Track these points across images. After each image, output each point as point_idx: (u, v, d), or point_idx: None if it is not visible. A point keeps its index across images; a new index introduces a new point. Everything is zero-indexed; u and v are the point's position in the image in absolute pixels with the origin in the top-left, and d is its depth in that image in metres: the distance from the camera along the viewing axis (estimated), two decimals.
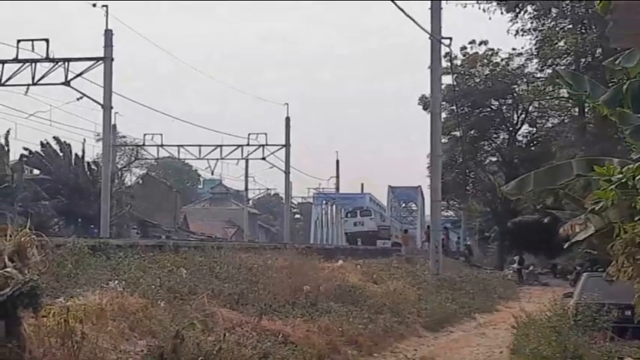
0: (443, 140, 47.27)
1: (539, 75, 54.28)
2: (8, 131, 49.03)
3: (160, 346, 10.69)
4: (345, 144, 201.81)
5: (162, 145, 58.80)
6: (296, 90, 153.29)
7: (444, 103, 49.06)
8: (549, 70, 48.43)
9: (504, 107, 62.32)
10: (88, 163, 55.57)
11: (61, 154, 55.22)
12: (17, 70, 38.96)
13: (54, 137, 54.00)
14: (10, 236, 9.05)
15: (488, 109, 61.77)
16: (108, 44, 39.41)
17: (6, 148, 50.16)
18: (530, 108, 61.13)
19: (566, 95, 44.77)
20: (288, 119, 62.42)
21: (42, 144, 54.65)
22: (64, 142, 55.62)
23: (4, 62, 38.94)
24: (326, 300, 19.43)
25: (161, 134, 58.30)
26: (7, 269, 8.73)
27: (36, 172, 56.37)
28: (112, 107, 40.19)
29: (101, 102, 39.47)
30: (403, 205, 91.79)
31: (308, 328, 15.68)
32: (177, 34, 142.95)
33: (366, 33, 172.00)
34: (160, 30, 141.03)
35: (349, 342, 16.70)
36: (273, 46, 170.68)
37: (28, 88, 39.49)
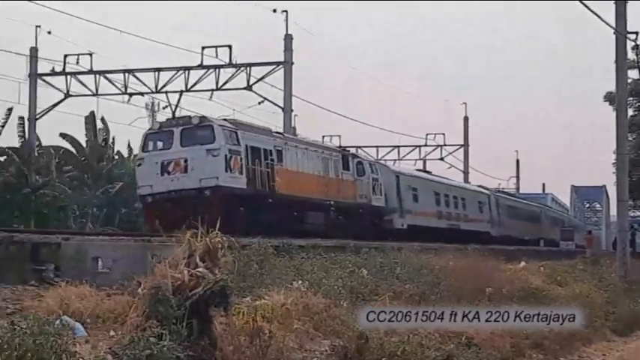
0: (630, 137, 45.45)
1: None
2: None
3: (345, 346, 10.79)
4: (525, 145, 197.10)
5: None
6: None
7: (630, 98, 47.16)
8: None
9: None
10: None
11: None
12: (202, 76, 40.45)
13: None
14: (201, 238, 9.36)
15: None
16: (288, 48, 40.20)
17: None
18: None
19: None
20: (466, 119, 61.90)
21: None
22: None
23: (189, 69, 40.50)
24: (509, 302, 19.04)
25: (339, 136, 58.87)
26: (199, 269, 9.05)
27: None
28: (292, 110, 40.93)
29: (281, 105, 40.34)
30: (587, 205, 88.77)
31: (492, 330, 15.41)
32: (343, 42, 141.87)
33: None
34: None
35: (534, 345, 16.36)
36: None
37: (212, 93, 40.91)
